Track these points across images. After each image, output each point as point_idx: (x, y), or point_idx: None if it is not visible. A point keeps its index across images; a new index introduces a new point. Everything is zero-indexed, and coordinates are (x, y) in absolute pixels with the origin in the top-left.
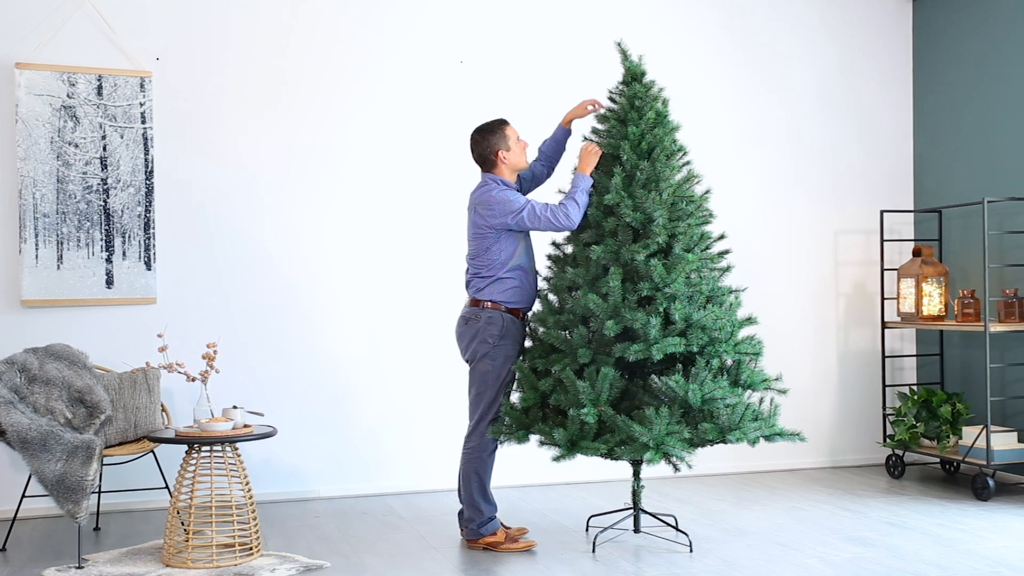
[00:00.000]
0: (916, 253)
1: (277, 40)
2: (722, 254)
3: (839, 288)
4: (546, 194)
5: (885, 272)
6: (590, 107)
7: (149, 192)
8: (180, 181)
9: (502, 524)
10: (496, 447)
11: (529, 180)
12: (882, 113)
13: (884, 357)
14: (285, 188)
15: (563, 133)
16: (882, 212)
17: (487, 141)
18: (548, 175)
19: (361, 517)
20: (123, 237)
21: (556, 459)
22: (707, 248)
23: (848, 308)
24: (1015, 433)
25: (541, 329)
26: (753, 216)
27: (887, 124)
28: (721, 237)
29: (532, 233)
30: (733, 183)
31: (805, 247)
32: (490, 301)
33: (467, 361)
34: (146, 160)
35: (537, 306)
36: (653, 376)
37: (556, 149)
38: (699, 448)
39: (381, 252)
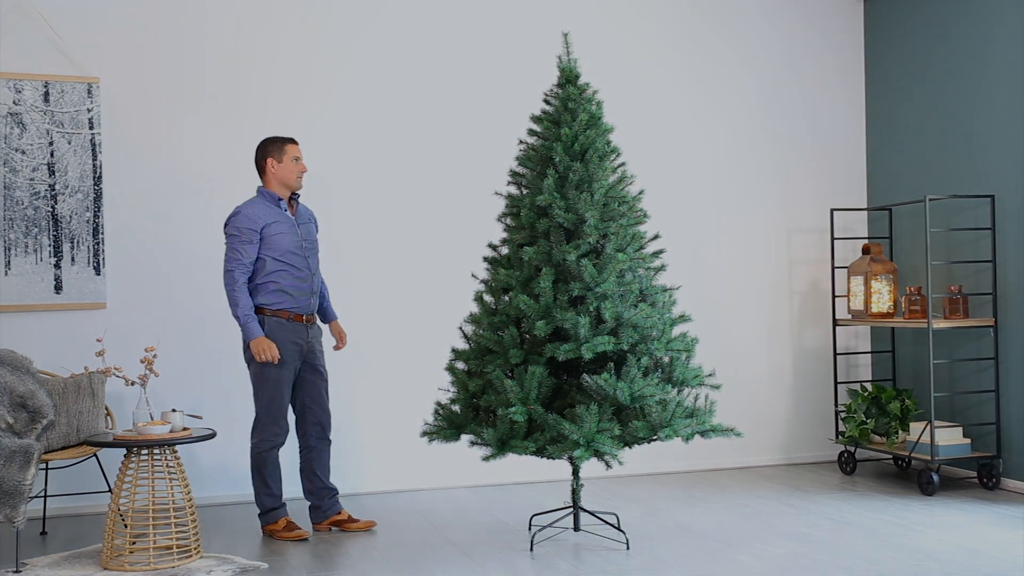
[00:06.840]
0: (865, 251)
1: (230, 44)
2: (656, 254)
3: (793, 286)
4: (483, 196)
5: (836, 270)
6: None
7: (98, 197)
8: (129, 186)
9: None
10: (276, 446)
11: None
12: (835, 112)
13: (835, 354)
14: (235, 192)
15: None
16: (832, 211)
17: (263, 149)
18: None
19: (308, 519)
20: (72, 243)
21: (486, 459)
22: (640, 248)
23: (802, 306)
24: (960, 428)
25: (479, 331)
26: (707, 215)
27: (840, 122)
28: (656, 237)
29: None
30: (686, 183)
31: (759, 246)
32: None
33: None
34: (94, 166)
35: (473, 308)
36: (584, 375)
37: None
38: (632, 445)
39: (332, 256)
